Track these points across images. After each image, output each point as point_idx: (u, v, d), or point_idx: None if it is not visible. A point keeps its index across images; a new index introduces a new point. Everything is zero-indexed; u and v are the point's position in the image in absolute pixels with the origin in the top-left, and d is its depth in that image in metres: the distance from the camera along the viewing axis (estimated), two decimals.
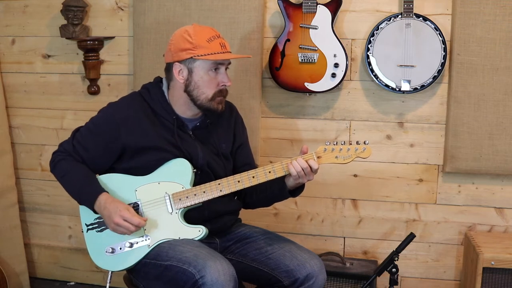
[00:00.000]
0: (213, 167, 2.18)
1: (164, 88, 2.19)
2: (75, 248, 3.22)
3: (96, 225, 2.13)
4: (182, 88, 2.12)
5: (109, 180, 2.14)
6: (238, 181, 2.07)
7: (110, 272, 2.22)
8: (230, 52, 2.13)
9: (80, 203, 2.13)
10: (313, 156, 2.03)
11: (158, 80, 2.24)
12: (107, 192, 2.08)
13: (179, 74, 2.11)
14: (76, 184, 2.10)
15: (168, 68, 2.16)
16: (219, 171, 2.19)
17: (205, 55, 2.05)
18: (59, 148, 2.20)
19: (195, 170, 2.12)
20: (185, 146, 2.14)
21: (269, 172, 2.05)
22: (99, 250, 2.11)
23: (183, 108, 2.17)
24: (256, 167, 2.22)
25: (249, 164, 2.33)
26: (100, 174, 2.17)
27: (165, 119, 2.15)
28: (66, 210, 3.19)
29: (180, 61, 2.10)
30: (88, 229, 2.14)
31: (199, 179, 2.13)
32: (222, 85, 2.12)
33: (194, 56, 2.06)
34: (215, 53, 2.06)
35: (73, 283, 3.28)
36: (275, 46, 2.73)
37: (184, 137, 2.16)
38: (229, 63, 2.16)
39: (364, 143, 2.03)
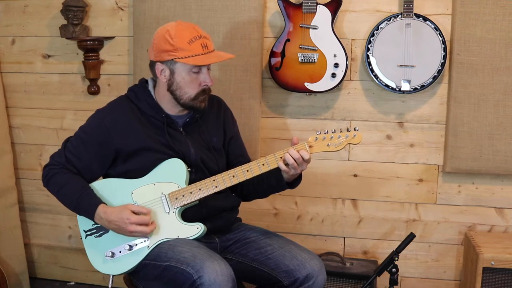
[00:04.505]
0: (206, 162, 2.18)
1: (150, 87, 2.20)
2: (75, 248, 3.22)
3: (95, 231, 2.13)
4: (165, 87, 2.14)
5: (104, 185, 2.14)
6: (233, 176, 2.07)
7: (111, 276, 2.21)
8: (213, 50, 2.12)
9: (80, 215, 2.14)
10: (305, 146, 2.03)
11: (143, 81, 2.24)
12: (104, 203, 2.08)
13: (161, 73, 2.12)
14: (72, 199, 2.10)
15: (151, 65, 2.17)
16: (212, 166, 2.20)
17: (185, 57, 2.05)
18: (50, 161, 2.18)
19: (189, 169, 2.12)
20: (176, 144, 2.14)
21: (263, 164, 2.05)
22: (99, 255, 2.11)
23: (169, 105, 2.17)
24: (250, 159, 2.22)
25: (242, 155, 2.34)
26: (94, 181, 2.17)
27: (155, 119, 2.15)
28: (66, 210, 3.10)
29: (161, 62, 2.10)
30: (86, 235, 2.14)
31: (194, 177, 2.13)
32: (204, 85, 2.13)
33: (175, 58, 2.06)
34: (196, 55, 2.05)
35: (73, 283, 3.28)
36: (275, 46, 2.73)
37: (175, 135, 2.16)
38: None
39: (355, 129, 2.04)
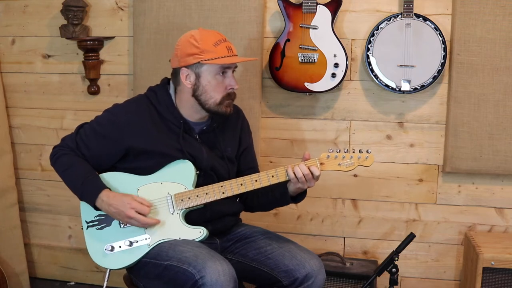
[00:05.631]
0: (217, 170, 2.18)
1: (171, 91, 2.19)
2: (75, 248, 3.22)
3: (96, 223, 2.13)
4: (190, 92, 2.12)
5: (111, 178, 2.14)
6: (241, 184, 2.07)
7: (108, 270, 2.21)
8: (237, 55, 2.14)
9: (81, 199, 2.13)
10: (316, 163, 2.04)
11: (165, 82, 2.23)
12: (108, 188, 2.08)
13: (186, 79, 2.11)
14: (77, 180, 2.10)
15: (175, 73, 2.15)
16: (223, 174, 2.19)
17: (212, 59, 2.06)
18: (61, 142, 2.20)
19: (198, 171, 2.12)
20: (190, 150, 2.13)
21: (272, 176, 2.06)
22: (99, 248, 2.11)
23: (190, 112, 2.16)
24: (259, 171, 2.23)
25: (253, 168, 2.33)
26: (102, 172, 2.17)
27: (172, 123, 2.15)
28: (66, 210, 3.19)
29: (187, 66, 2.10)
30: (88, 226, 2.14)
31: (202, 181, 2.13)
32: (230, 89, 2.13)
33: (201, 60, 2.06)
34: (222, 57, 2.07)
35: (73, 283, 3.28)
36: (275, 46, 2.73)
37: (190, 141, 2.16)
38: (236, 66, 2.17)
39: (367, 151, 2.05)
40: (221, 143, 2.22)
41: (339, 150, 2.05)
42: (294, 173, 2.02)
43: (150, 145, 2.10)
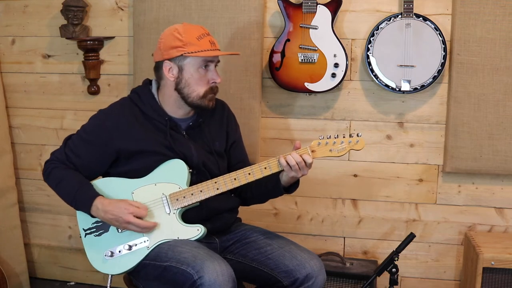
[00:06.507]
0: (208, 166, 2.18)
1: (154, 90, 2.20)
2: (75, 248, 3.22)
3: (94, 230, 2.12)
4: (173, 86, 2.13)
5: (105, 184, 2.14)
6: (235, 179, 2.07)
7: (110, 276, 2.21)
8: (219, 50, 2.15)
9: (77, 209, 2.13)
10: (308, 150, 2.03)
11: (147, 82, 2.24)
12: (102, 196, 2.08)
13: (169, 72, 2.12)
14: (70, 192, 2.10)
15: (158, 67, 2.17)
16: (213, 169, 2.20)
17: (195, 52, 2.07)
18: (51, 157, 2.20)
19: (191, 170, 2.12)
20: (178, 147, 2.14)
21: (265, 168, 2.06)
22: (98, 254, 2.11)
23: (174, 107, 2.17)
24: (250, 164, 2.23)
25: (243, 161, 2.33)
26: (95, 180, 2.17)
27: (158, 121, 2.15)
28: (66, 210, 3.19)
29: (170, 59, 2.11)
30: (86, 234, 2.14)
31: (195, 179, 2.13)
32: (212, 82, 2.14)
33: (185, 53, 2.07)
34: (205, 50, 2.08)
35: (73, 283, 3.28)
36: (275, 46, 2.73)
37: (178, 138, 2.16)
38: (218, 61, 2.18)
39: (357, 135, 2.04)
40: (209, 138, 2.22)
41: (330, 136, 2.04)
42: (286, 161, 2.01)
43: (139, 145, 2.11)
